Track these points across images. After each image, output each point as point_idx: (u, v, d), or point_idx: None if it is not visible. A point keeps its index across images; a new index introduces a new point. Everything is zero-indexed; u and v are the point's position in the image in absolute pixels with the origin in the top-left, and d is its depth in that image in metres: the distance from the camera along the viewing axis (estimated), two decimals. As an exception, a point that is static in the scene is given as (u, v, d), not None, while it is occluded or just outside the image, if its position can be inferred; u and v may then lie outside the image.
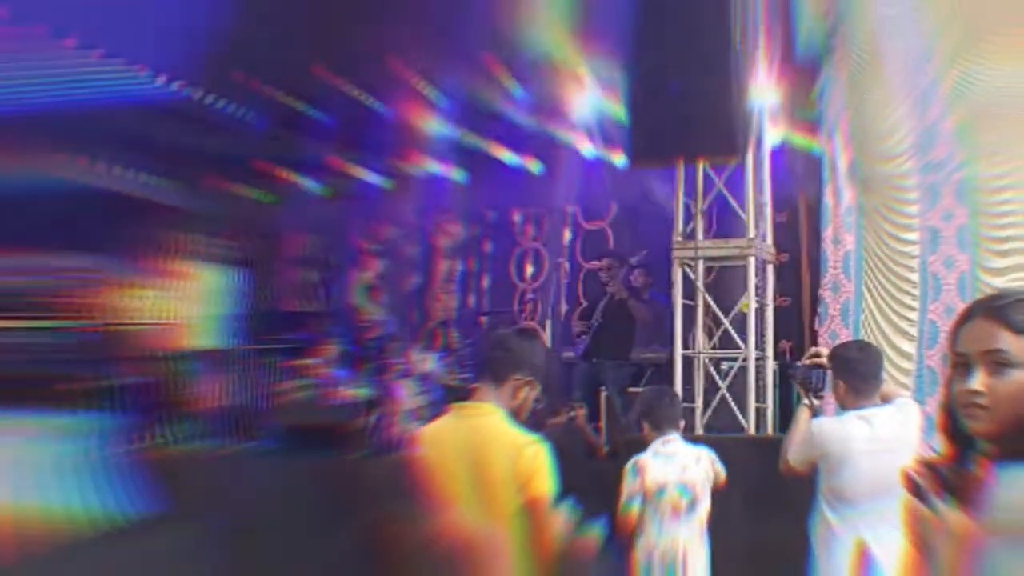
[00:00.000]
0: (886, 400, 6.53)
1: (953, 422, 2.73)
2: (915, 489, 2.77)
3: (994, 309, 2.69)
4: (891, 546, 6.20)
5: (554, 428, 10.26)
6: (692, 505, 7.57)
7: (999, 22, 10.31)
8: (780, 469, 6.74)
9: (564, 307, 14.22)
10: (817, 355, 6.78)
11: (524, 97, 13.52)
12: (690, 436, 8.40)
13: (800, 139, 11.95)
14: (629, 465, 7.67)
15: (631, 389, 11.68)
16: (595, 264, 13.29)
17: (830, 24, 10.81)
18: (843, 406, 6.55)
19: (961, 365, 2.69)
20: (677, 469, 7.59)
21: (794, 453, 6.62)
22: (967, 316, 2.73)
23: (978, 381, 2.63)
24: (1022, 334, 2.64)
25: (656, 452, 7.67)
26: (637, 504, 7.53)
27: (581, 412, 11.13)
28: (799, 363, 6.96)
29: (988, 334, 2.66)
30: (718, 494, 7.78)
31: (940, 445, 2.84)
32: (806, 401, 6.74)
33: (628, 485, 7.58)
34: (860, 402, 6.43)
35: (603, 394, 12.05)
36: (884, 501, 6.23)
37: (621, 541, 7.13)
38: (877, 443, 6.30)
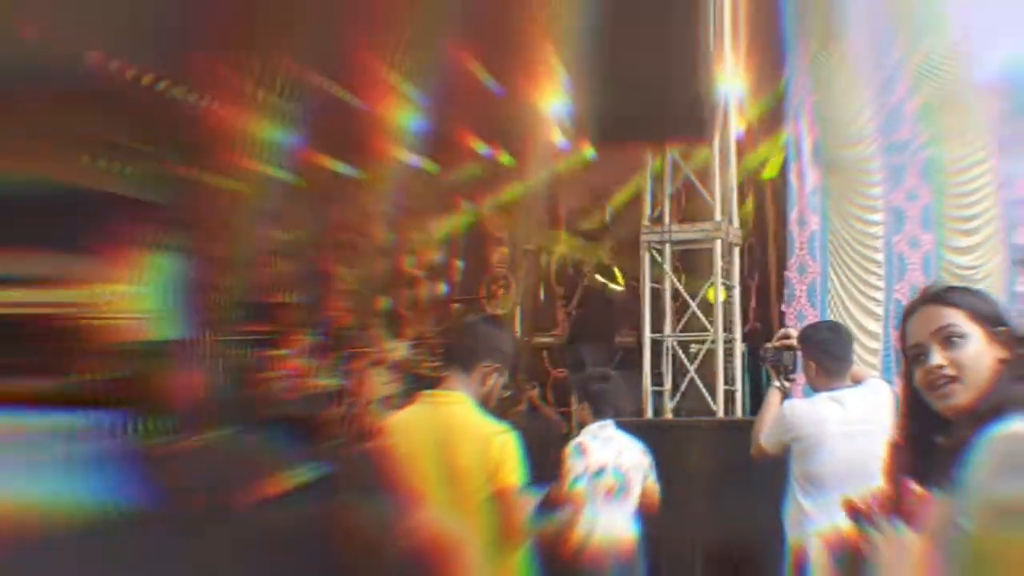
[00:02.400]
0: (857, 381, 6.47)
1: (922, 412, 2.82)
2: (857, 517, 2.88)
3: (933, 295, 2.86)
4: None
5: (518, 416, 10.32)
6: (623, 488, 7.57)
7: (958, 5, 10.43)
8: (752, 452, 6.64)
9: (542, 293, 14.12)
10: (787, 336, 6.73)
11: (493, 86, 13.56)
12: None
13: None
14: (571, 446, 7.66)
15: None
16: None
17: (796, 7, 10.85)
18: (814, 387, 6.49)
19: (916, 356, 2.81)
20: (613, 453, 7.60)
21: (766, 435, 6.50)
22: (910, 311, 2.88)
23: (938, 357, 2.76)
24: (963, 308, 2.80)
25: (594, 435, 7.68)
26: (583, 484, 7.54)
27: (533, 393, 11.22)
28: (769, 345, 6.88)
29: (934, 316, 2.81)
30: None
31: (901, 453, 2.93)
32: (777, 383, 6.66)
33: (573, 466, 7.56)
34: (831, 383, 6.35)
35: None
36: (859, 486, 6.22)
37: (556, 522, 7.10)
38: (850, 425, 6.24)
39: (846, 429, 6.24)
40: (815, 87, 10.91)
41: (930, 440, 2.80)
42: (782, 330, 7.23)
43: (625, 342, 12.62)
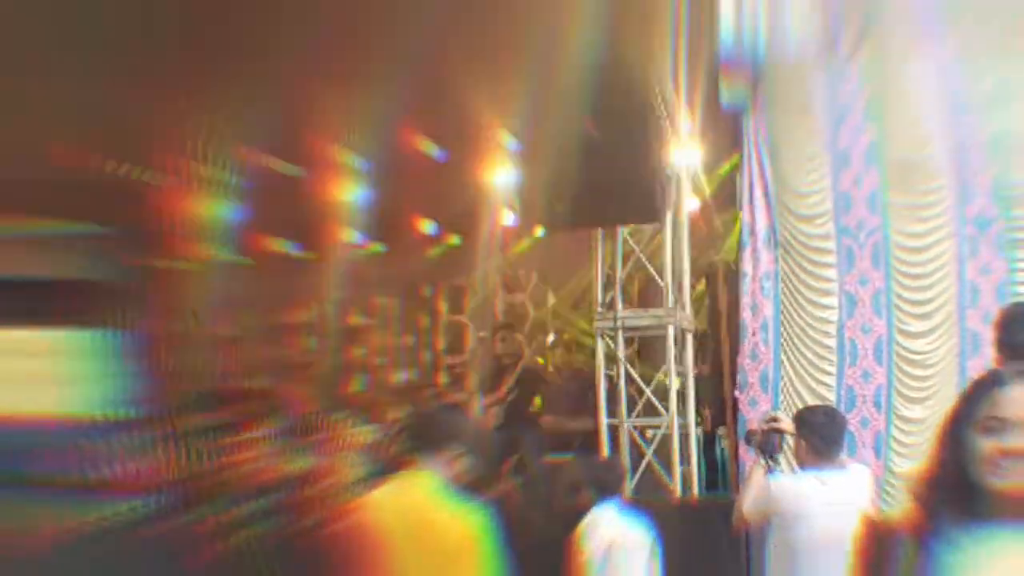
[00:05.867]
0: (842, 466, 6.85)
1: (962, 478, 2.79)
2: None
3: None
4: None
5: (496, 496, 10.33)
6: (629, 569, 7.69)
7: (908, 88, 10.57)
8: (733, 522, 7.13)
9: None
10: (775, 419, 7.18)
11: (442, 159, 13.64)
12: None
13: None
14: (582, 527, 7.85)
15: (560, 457, 11.69)
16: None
17: (749, 82, 10.93)
18: (802, 466, 6.87)
19: (994, 428, 2.77)
20: (619, 534, 7.76)
21: (749, 507, 6.93)
22: (1000, 382, 2.82)
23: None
24: None
25: (599, 516, 7.85)
26: (593, 564, 7.70)
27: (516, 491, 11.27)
28: (757, 428, 7.34)
29: None
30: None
31: (917, 503, 2.91)
32: (762, 461, 7.07)
33: (587, 547, 7.75)
34: (820, 464, 6.74)
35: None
36: (835, 555, 6.42)
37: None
38: (832, 505, 6.56)
39: (827, 509, 6.57)
40: (768, 163, 10.97)
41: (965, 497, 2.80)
42: (770, 413, 7.94)
43: (578, 428, 12.61)
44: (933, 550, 2.76)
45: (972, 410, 2.80)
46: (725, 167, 12.24)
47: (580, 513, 8.00)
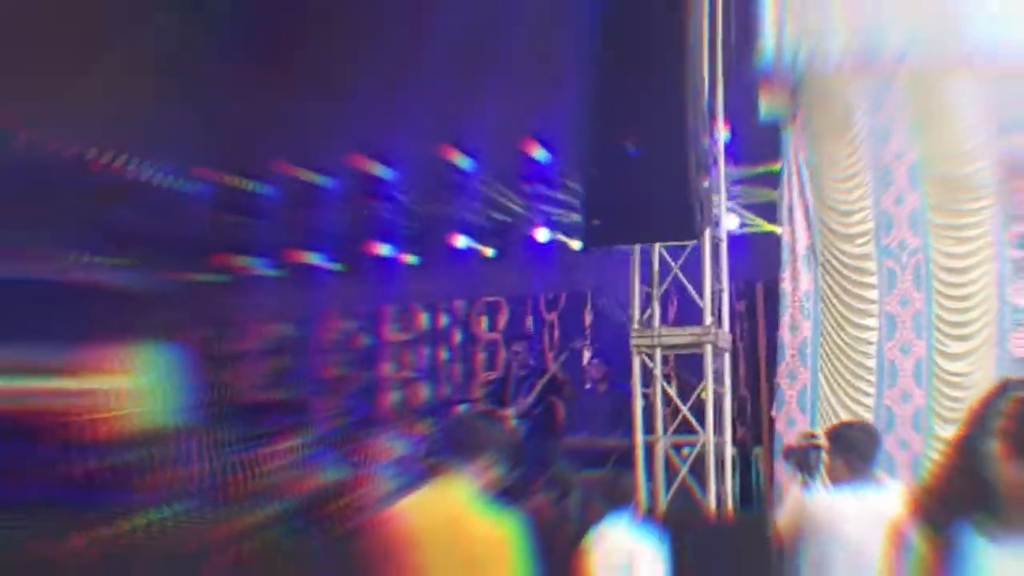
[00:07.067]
0: (877, 482, 6.81)
1: (977, 484, 2.90)
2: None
3: None
4: None
5: (529, 508, 10.35)
6: None
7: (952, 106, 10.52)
8: (770, 536, 7.22)
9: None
10: (813, 436, 7.29)
11: (476, 174, 13.66)
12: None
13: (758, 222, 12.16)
14: (590, 539, 7.85)
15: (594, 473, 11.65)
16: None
17: (789, 97, 10.88)
18: (836, 482, 6.83)
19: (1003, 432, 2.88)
20: (628, 546, 7.76)
21: (785, 522, 6.98)
22: (1007, 390, 2.96)
23: None
24: None
25: (610, 528, 7.86)
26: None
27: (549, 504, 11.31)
28: (796, 445, 7.37)
29: None
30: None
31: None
32: (799, 477, 7.14)
33: (593, 559, 7.75)
34: (855, 480, 6.72)
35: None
36: (868, 570, 6.43)
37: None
38: (866, 521, 6.46)
39: (861, 524, 6.51)
40: (809, 180, 10.91)
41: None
42: (808, 431, 8.02)
43: (614, 444, 12.55)
44: (948, 558, 2.85)
45: (984, 418, 2.89)
46: (760, 169, 12.15)
47: (591, 525, 8.05)
